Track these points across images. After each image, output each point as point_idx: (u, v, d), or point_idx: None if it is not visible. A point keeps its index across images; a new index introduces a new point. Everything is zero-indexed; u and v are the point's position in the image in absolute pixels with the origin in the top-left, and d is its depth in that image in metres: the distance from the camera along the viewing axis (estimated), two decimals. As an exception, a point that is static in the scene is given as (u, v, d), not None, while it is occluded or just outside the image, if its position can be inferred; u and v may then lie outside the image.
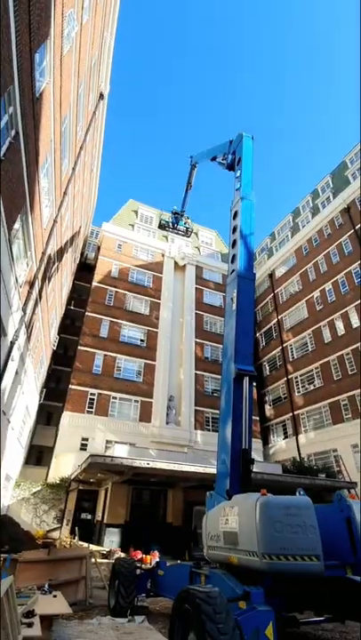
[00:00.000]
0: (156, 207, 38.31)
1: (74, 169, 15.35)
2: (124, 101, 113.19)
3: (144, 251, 32.07)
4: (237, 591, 4.22)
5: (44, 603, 5.16)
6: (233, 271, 8.99)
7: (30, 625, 3.76)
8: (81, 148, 16.33)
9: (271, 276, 34.51)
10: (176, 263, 32.62)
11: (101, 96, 17.99)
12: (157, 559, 10.46)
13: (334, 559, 4.64)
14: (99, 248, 31.62)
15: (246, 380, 7.26)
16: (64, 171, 13.25)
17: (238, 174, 10.81)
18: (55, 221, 13.12)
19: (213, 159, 13.57)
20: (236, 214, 9.86)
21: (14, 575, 6.35)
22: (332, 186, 31.70)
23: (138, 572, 7.10)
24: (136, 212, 36.34)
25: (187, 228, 17.78)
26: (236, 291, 8.40)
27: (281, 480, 15.46)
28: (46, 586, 6.10)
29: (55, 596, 5.73)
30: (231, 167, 11.89)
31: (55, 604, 5.18)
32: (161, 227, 17.94)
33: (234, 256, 9.27)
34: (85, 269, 31.69)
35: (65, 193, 13.96)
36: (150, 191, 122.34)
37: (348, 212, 27.00)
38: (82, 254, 32.22)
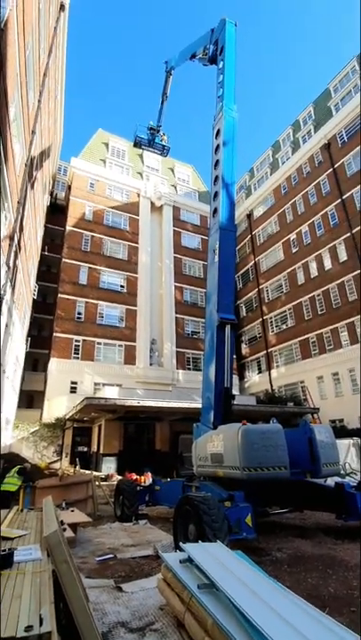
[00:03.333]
0: (129, 139, 35.37)
1: (39, 101, 13.89)
2: (88, 11, 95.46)
3: (118, 190, 30.44)
4: (223, 495, 5.45)
5: (65, 516, 6.31)
6: (215, 214, 9.17)
7: (64, 530, 4.79)
8: (44, 74, 14.57)
9: (249, 216, 34.18)
10: (152, 204, 31.41)
11: (62, 7, 15.50)
12: (150, 479, 12.20)
13: (298, 468, 5.94)
14: (69, 187, 29.67)
15: (228, 328, 8.08)
16: (30, 105, 12.04)
17: (221, 66, 10.39)
18: (26, 165, 12.31)
19: (193, 57, 12.81)
20: (218, 133, 9.66)
21: (34, 499, 7.52)
22: (313, 117, 30.18)
23: (138, 488, 8.53)
24: (107, 145, 33.54)
25: (163, 146, 16.96)
26: (218, 243, 8.78)
27: (255, 410, 17.56)
28: (63, 504, 7.31)
29: (73, 511, 6.95)
30: (213, 60, 11.24)
31: (75, 515, 6.37)
32: (136, 144, 16.94)
33: (215, 193, 9.37)
34: (56, 210, 29.95)
35: (33, 131, 12.84)
36: (121, 119, 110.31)
37: (328, 148, 26.29)
38: (51, 194, 30.17)
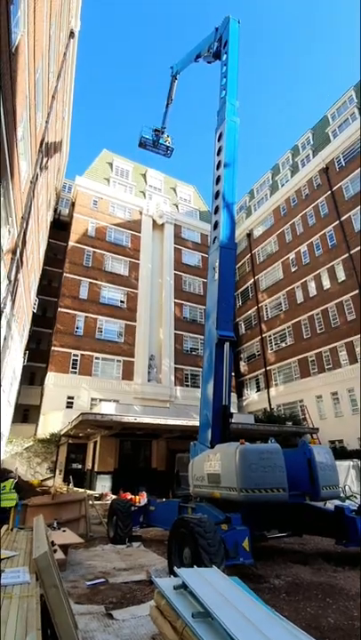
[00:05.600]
0: (132, 159, 36.47)
1: (47, 122, 14.36)
2: (96, 38, 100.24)
3: (121, 208, 31.03)
4: (220, 517, 5.29)
5: (56, 536, 6.10)
6: (216, 226, 9.35)
7: (55, 551, 4.61)
8: (53, 96, 15.12)
9: (249, 235, 34.73)
10: (154, 222, 31.96)
11: (72, 34, 16.25)
12: (145, 499, 11.86)
13: (297, 490, 5.79)
14: (73, 204, 30.26)
15: (227, 345, 8.05)
16: (38, 125, 12.44)
17: (225, 58, 10.89)
18: (32, 182, 12.58)
19: (198, 57, 13.40)
20: (220, 136, 9.91)
21: (25, 517, 7.29)
22: (312, 143, 31.16)
23: (132, 509, 8.27)
24: (111, 165, 34.43)
25: (167, 147, 17.49)
26: (218, 261, 8.87)
27: (254, 429, 17.26)
28: (55, 524, 7.08)
29: (64, 531, 6.73)
30: (217, 55, 11.80)
31: (67, 536, 6.15)
32: (141, 145, 17.55)
33: (217, 192, 9.58)
34: (59, 226, 30.42)
35: (40, 150, 13.21)
36: (125, 140, 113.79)
37: (326, 172, 27.01)
38: (55, 210, 30.72)
